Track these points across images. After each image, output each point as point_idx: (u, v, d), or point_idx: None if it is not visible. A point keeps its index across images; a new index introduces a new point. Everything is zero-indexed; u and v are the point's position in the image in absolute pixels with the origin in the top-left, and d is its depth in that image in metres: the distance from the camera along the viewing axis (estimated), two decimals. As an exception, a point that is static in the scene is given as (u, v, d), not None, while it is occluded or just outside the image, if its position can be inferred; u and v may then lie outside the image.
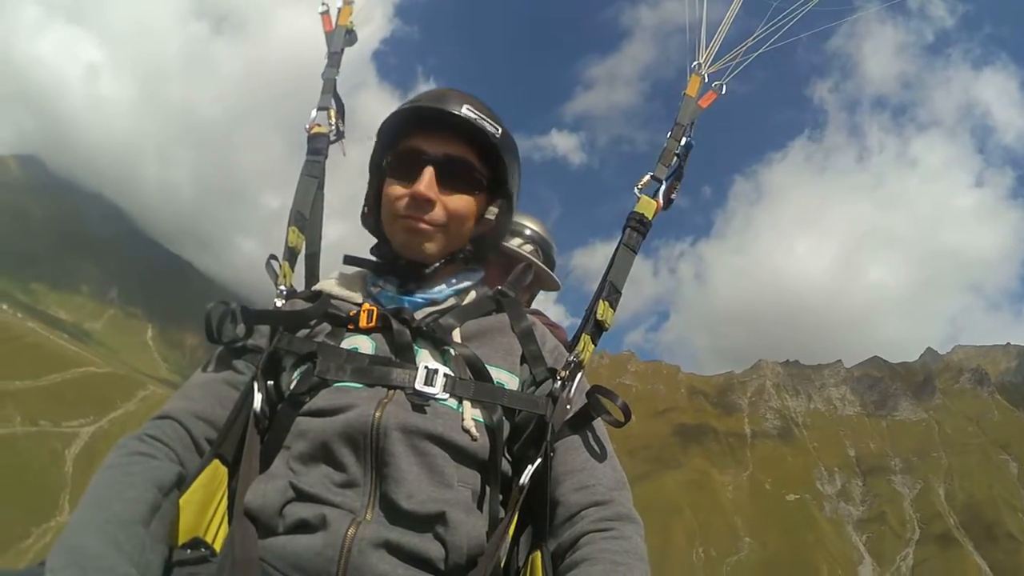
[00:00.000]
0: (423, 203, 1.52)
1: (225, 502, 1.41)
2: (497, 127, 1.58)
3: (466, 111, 1.54)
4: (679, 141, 1.93)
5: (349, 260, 1.72)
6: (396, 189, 1.56)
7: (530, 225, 2.99)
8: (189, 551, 1.29)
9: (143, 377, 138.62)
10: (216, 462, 1.41)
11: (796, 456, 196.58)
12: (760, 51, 2.07)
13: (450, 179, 1.56)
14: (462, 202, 1.58)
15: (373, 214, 1.68)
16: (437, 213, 1.54)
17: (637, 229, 1.82)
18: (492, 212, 1.66)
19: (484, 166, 1.61)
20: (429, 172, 1.52)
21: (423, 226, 1.54)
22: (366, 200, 1.70)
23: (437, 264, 1.60)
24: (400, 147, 1.58)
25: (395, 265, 1.63)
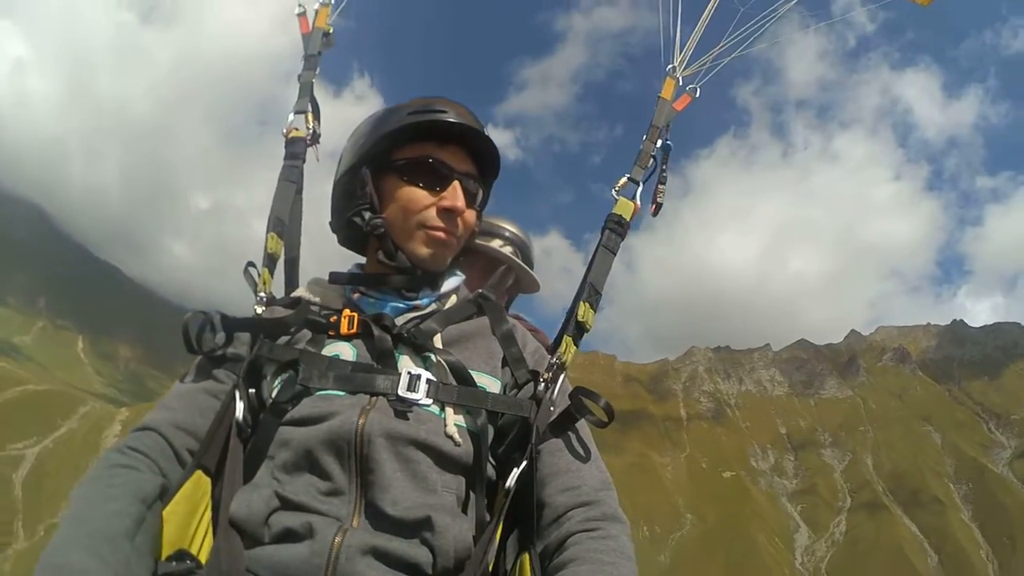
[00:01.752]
0: (455, 217, 1.57)
1: (209, 513, 1.38)
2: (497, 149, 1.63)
3: (487, 134, 1.60)
4: (654, 143, 1.93)
5: (335, 277, 1.67)
6: (422, 198, 1.56)
7: (508, 227, 2.96)
8: (174, 563, 1.26)
9: (81, 393, 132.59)
10: (199, 473, 1.38)
11: (730, 436, 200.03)
12: (734, 55, 2.08)
13: (467, 194, 1.60)
14: (472, 217, 1.64)
15: (352, 221, 1.61)
16: (461, 227, 1.60)
17: (615, 231, 1.82)
18: (476, 225, 1.69)
19: (483, 186, 1.68)
20: (459, 187, 1.57)
21: (451, 239, 1.58)
22: (356, 195, 1.60)
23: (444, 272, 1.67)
24: (419, 154, 1.57)
25: (394, 276, 1.61)
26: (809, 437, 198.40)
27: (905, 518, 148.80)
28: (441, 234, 1.55)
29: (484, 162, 1.64)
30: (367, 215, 1.58)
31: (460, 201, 1.55)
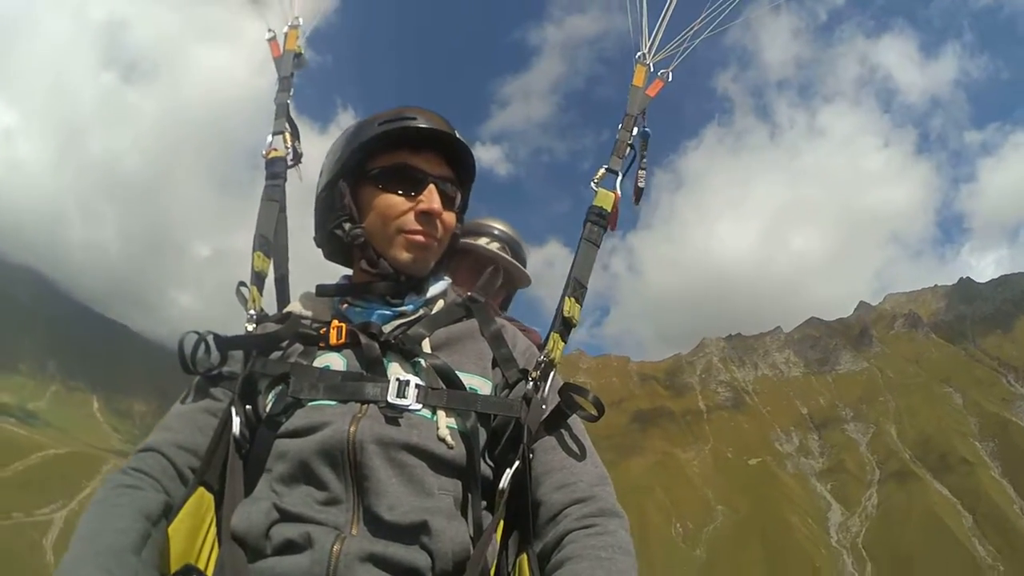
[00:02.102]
0: (434, 219, 1.57)
1: (214, 528, 1.41)
2: (471, 152, 1.65)
3: (459, 136, 1.61)
4: (630, 132, 1.94)
5: (322, 290, 1.70)
6: (399, 203, 1.57)
7: (496, 225, 2.98)
8: None
9: (102, 452, 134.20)
10: (201, 489, 1.41)
11: (751, 423, 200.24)
12: (703, 36, 2.07)
13: (444, 198, 1.61)
14: (451, 219, 1.64)
15: (333, 233, 1.64)
16: (440, 230, 1.61)
17: (596, 223, 1.82)
18: (457, 227, 1.71)
19: (461, 188, 1.69)
20: (435, 190, 1.58)
21: (432, 241, 1.59)
22: (336, 208, 1.63)
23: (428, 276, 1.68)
24: (394, 162, 1.59)
25: (379, 283, 1.63)
26: (831, 414, 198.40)
27: (936, 483, 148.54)
28: (420, 237, 1.57)
29: (460, 166, 1.66)
30: (347, 226, 1.61)
31: (436, 203, 1.56)
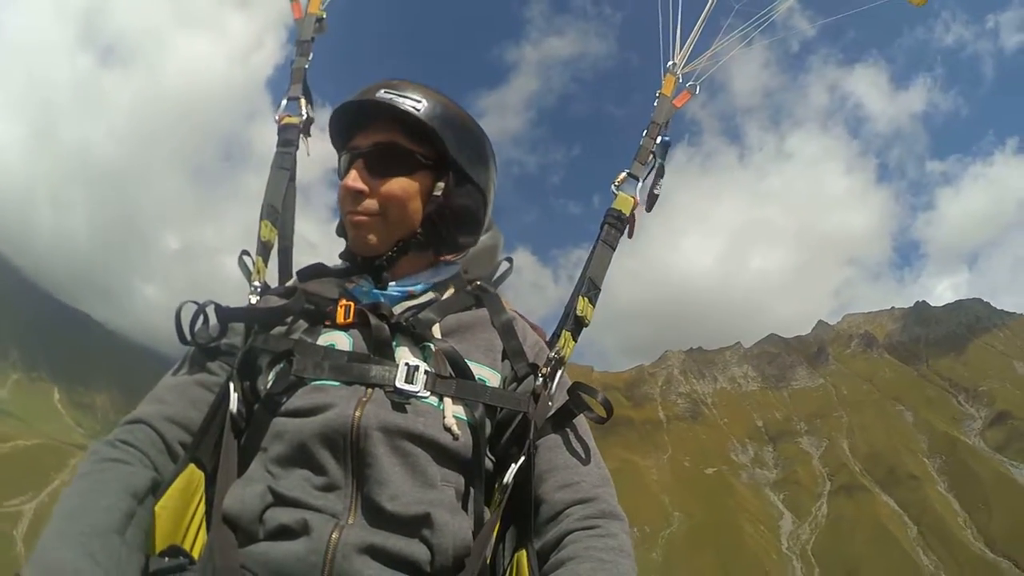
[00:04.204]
0: (355, 195, 1.51)
1: (203, 508, 1.36)
2: (420, 100, 1.52)
3: (382, 94, 1.51)
4: (655, 139, 1.91)
5: (303, 275, 1.66)
6: (340, 190, 1.55)
7: None
8: (167, 559, 1.25)
9: (70, 447, 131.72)
10: (192, 467, 1.36)
11: (709, 433, 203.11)
12: (733, 52, 2.06)
13: (380, 165, 1.53)
14: (396, 185, 1.53)
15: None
16: (370, 203, 1.52)
17: (615, 225, 1.79)
18: (439, 188, 1.56)
19: (418, 144, 1.55)
20: (357, 165, 1.52)
21: (359, 218, 1.52)
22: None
23: (390, 253, 1.56)
24: (344, 147, 1.59)
25: (356, 264, 1.61)
26: (785, 427, 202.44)
27: (884, 495, 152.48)
28: (350, 216, 1.54)
29: (413, 123, 1.52)
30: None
31: (350, 179, 1.51)
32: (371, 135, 1.54)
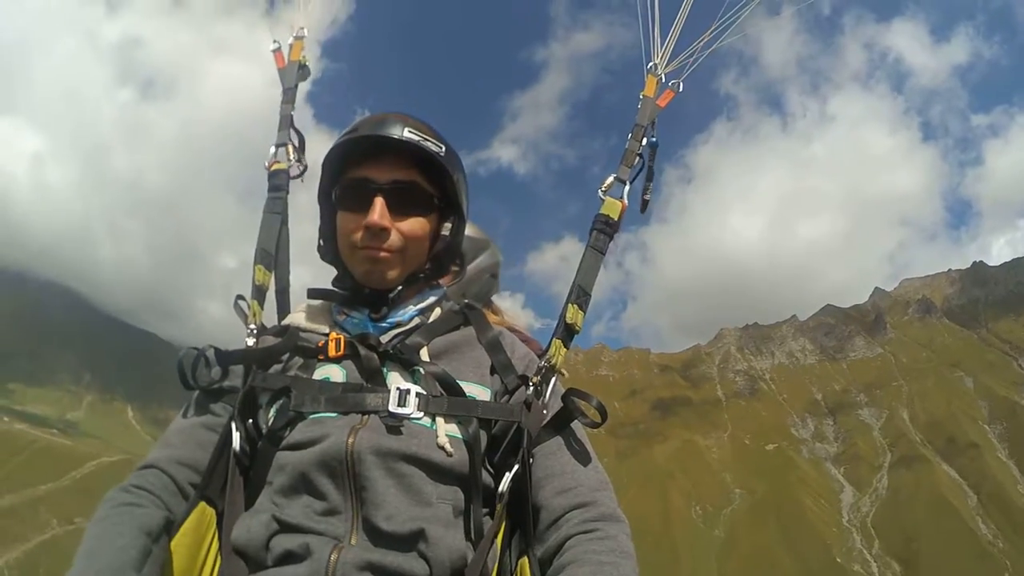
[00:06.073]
0: (379, 232, 1.52)
1: (216, 543, 1.42)
2: (440, 145, 1.56)
3: (408, 134, 1.52)
4: (640, 142, 1.87)
5: (313, 293, 1.70)
6: (349, 221, 1.55)
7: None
8: None
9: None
10: (203, 505, 1.42)
11: (768, 410, 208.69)
12: (714, 47, 2.03)
13: (401, 204, 1.55)
14: (416, 225, 1.57)
15: (330, 245, 1.64)
16: (394, 240, 1.54)
17: (603, 231, 1.77)
18: (447, 228, 1.64)
19: (432, 186, 1.59)
20: (380, 201, 1.52)
21: (383, 255, 1.54)
22: (321, 232, 1.67)
23: (400, 288, 1.61)
24: (348, 178, 1.57)
25: (360, 295, 1.62)
26: (845, 399, 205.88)
27: (943, 465, 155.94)
28: (369, 252, 1.54)
29: (430, 164, 1.56)
30: (320, 244, 1.66)
31: (377, 215, 1.50)
32: (388, 170, 1.55)
